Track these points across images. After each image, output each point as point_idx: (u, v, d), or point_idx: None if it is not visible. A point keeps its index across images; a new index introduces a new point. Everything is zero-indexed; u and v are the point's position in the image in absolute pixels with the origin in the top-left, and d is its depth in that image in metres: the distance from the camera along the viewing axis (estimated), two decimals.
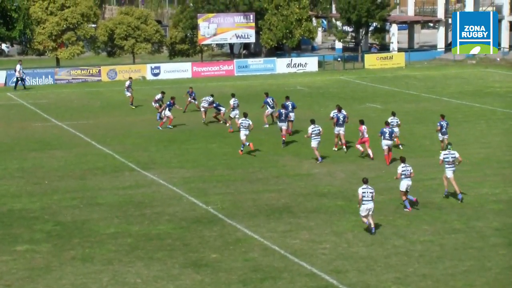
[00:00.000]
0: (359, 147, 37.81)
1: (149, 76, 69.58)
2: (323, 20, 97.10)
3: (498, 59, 77.77)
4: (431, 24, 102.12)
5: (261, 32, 77.08)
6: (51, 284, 22.75)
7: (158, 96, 48.16)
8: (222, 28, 74.52)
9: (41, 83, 66.24)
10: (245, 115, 39.35)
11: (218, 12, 77.22)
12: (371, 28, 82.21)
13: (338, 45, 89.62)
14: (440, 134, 38.35)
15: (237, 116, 44.36)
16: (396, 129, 38.22)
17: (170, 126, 45.42)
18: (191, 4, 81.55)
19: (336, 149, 38.99)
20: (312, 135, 36.87)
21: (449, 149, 31.00)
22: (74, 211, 29.73)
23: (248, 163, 36.96)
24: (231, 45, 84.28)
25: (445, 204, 30.02)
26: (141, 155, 38.95)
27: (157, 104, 47.85)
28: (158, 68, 70.48)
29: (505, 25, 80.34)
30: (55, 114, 51.09)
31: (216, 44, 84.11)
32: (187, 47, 78.44)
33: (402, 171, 29.17)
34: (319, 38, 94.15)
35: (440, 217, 28.42)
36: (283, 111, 41.15)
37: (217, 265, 23.99)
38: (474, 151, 39.07)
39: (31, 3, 70.62)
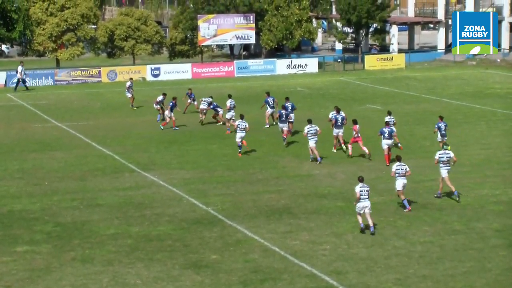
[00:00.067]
0: (351, 147, 37.93)
1: (149, 77, 69.59)
2: (323, 21, 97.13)
3: (498, 60, 77.80)
4: (431, 25, 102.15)
5: (261, 33, 77.10)
6: (51, 285, 22.74)
7: (160, 97, 48.09)
8: (222, 29, 74.55)
9: (41, 84, 66.27)
10: (242, 117, 39.31)
11: (218, 13, 77.25)
12: (371, 29, 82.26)
13: (338, 46, 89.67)
14: (439, 136, 38.39)
15: (233, 118, 44.34)
16: (393, 127, 38.44)
17: (176, 128, 45.28)
18: (191, 5, 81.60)
19: (335, 150, 38.98)
20: (308, 135, 36.92)
21: (445, 148, 31.08)
22: (74, 212, 29.73)
23: (248, 164, 36.95)
24: (231, 46, 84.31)
25: (446, 205, 30.01)
26: (141, 156, 38.95)
27: (158, 106, 47.79)
28: (158, 69, 70.49)
29: (505, 26, 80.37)
30: (55, 115, 51.09)
31: (216, 45, 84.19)
32: (187, 48, 78.46)
33: (396, 169, 29.27)
34: (319, 39, 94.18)
35: (440, 218, 28.41)
36: (283, 112, 41.19)
37: (217, 266, 23.98)
38: (474, 152, 39.07)
39: (31, 4, 70.65)
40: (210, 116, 47.37)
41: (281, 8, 75.60)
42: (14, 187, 33.40)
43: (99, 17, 79.04)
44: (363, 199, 26.62)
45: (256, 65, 73.36)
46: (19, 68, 63.41)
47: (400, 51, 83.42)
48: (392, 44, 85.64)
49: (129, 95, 53.53)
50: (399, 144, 39.05)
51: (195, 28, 76.72)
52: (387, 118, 39.21)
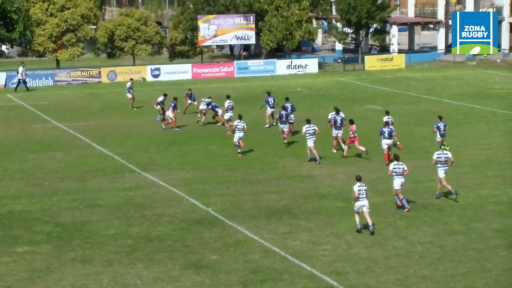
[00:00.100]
0: (347, 148, 37.99)
1: (149, 78, 69.59)
2: (323, 22, 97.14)
3: (498, 60, 77.81)
4: (431, 26, 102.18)
5: (261, 34, 77.12)
6: (51, 285, 22.74)
7: (160, 98, 48.07)
8: (222, 30, 74.57)
9: (41, 85, 66.29)
10: (240, 117, 39.34)
11: (218, 14, 77.27)
12: (371, 30, 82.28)
13: (338, 46, 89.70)
14: (438, 135, 38.48)
15: (231, 119, 44.32)
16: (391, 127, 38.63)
17: (177, 129, 45.27)
18: (191, 6, 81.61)
19: (335, 151, 38.97)
20: (307, 135, 36.95)
21: (443, 149, 31.12)
22: (74, 212, 29.73)
23: (248, 165, 36.95)
24: (231, 47, 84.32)
25: (446, 205, 30.01)
26: (141, 156, 38.95)
27: (159, 107, 47.78)
28: (158, 69, 70.49)
29: (505, 26, 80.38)
30: (55, 116, 51.10)
31: (216, 46, 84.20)
32: (187, 48, 78.47)
33: (393, 168, 29.32)
34: (319, 39, 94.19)
35: (440, 218, 28.41)
36: (283, 112, 41.19)
37: (217, 266, 23.97)
38: (475, 152, 39.08)
39: (31, 4, 70.66)
40: (210, 116, 47.36)
41: (281, 9, 75.62)
42: (14, 188, 33.40)
43: (99, 17, 79.06)
44: (361, 198, 26.69)
45: (256, 65, 73.38)
46: (20, 69, 63.41)
47: (400, 51, 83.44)
48: (392, 44, 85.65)
49: (129, 95, 53.53)
50: (398, 143, 39.07)
51: (195, 29, 76.73)
52: (385, 118, 39.41)
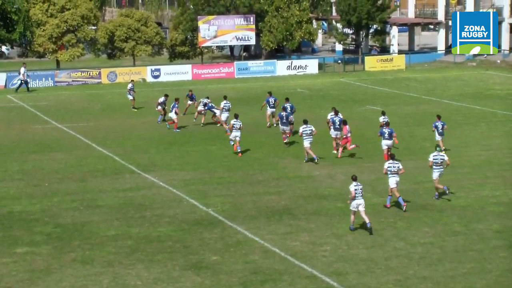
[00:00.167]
0: (341, 149, 38.06)
1: (149, 78, 69.60)
2: (324, 22, 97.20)
3: (499, 61, 77.83)
4: (432, 26, 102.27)
5: (261, 34, 77.12)
6: (51, 286, 22.74)
7: (161, 99, 48.06)
8: (222, 30, 74.58)
9: (41, 85, 66.30)
10: (236, 116, 39.44)
11: (219, 14, 77.28)
12: (371, 30, 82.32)
13: (339, 47, 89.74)
14: (437, 135, 38.59)
15: (227, 119, 44.35)
16: None
17: (177, 130, 45.28)
18: (192, 6, 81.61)
19: (335, 151, 38.96)
20: (303, 135, 37.00)
21: (438, 150, 31.14)
22: (74, 213, 29.72)
23: (248, 165, 36.95)
24: (231, 47, 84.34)
25: (446, 206, 30.01)
26: (141, 157, 38.95)
27: (160, 107, 47.77)
28: (158, 70, 70.51)
29: (505, 27, 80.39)
30: (55, 116, 51.10)
31: (216, 46, 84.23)
32: (187, 49, 78.46)
33: (388, 167, 29.43)
34: (319, 40, 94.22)
35: (440, 219, 28.41)
36: (283, 113, 41.18)
37: (217, 267, 23.97)
38: (475, 153, 39.10)
39: (31, 5, 70.65)
40: (209, 117, 47.34)
41: (281, 9, 75.62)
42: (14, 188, 33.39)
43: (99, 18, 79.06)
44: (357, 197, 26.80)
45: (256, 66, 73.39)
46: (22, 70, 63.44)
47: (400, 52, 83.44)
48: (392, 45, 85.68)
49: (130, 97, 53.55)
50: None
51: (195, 29, 76.73)
52: (381, 119, 39.62)
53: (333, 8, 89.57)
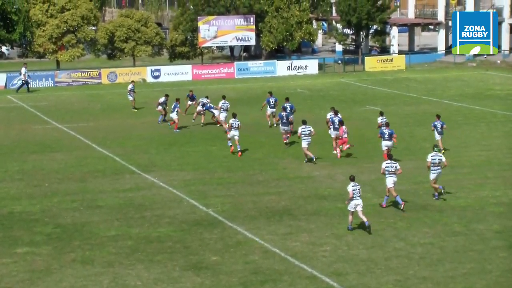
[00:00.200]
0: (339, 150, 38.11)
1: (150, 79, 69.62)
2: (324, 23, 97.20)
3: (499, 61, 77.84)
4: (432, 27, 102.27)
5: (261, 35, 77.12)
6: (51, 286, 22.74)
7: (162, 99, 48.07)
8: (222, 31, 74.60)
9: (41, 86, 66.29)
10: (234, 116, 39.51)
11: (219, 15, 77.30)
12: (371, 31, 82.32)
13: (339, 47, 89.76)
14: (436, 134, 38.67)
15: (225, 119, 44.41)
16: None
17: (177, 130, 45.30)
18: (192, 7, 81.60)
19: (335, 152, 38.97)
20: (302, 135, 37.05)
21: (436, 151, 31.14)
22: (74, 213, 29.72)
23: (248, 166, 36.96)
24: (232, 48, 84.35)
25: (446, 206, 30.01)
26: (142, 157, 38.95)
27: (161, 107, 47.77)
28: (159, 70, 70.52)
29: (505, 27, 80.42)
30: (55, 117, 51.10)
31: (217, 47, 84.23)
32: (187, 49, 78.47)
33: (386, 167, 29.49)
34: (319, 40, 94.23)
35: (440, 219, 28.41)
36: (283, 114, 41.23)
37: (217, 267, 23.97)
38: (475, 153, 39.10)
39: (31, 5, 70.66)
40: (209, 117, 47.34)
41: (281, 10, 75.62)
42: (14, 189, 33.39)
43: (99, 18, 79.06)
44: (355, 197, 26.82)
45: (256, 66, 73.41)
46: (23, 70, 63.47)
47: (400, 52, 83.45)
48: (392, 45, 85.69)
49: (130, 98, 53.57)
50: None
51: (195, 30, 76.73)
52: (379, 119, 39.74)
53: (333, 8, 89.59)
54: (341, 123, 38.43)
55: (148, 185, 33.69)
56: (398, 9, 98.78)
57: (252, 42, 77.09)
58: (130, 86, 53.87)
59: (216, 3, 79.76)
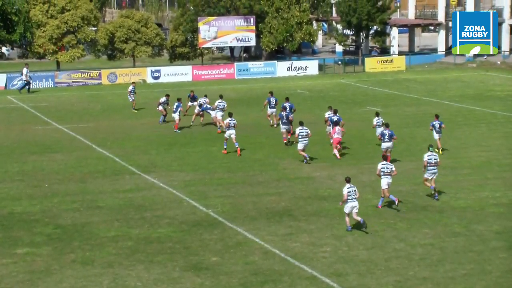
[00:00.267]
0: (337, 151, 38.16)
1: (150, 80, 69.60)
2: (324, 24, 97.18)
3: (499, 62, 77.84)
4: (432, 28, 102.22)
5: (261, 36, 77.10)
6: (51, 287, 22.75)
7: (163, 99, 48.07)
8: (222, 32, 74.55)
9: (41, 86, 66.25)
10: (231, 115, 39.64)
11: (219, 16, 77.26)
12: (371, 32, 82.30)
13: (339, 48, 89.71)
14: (435, 134, 38.76)
15: (221, 118, 44.48)
16: (381, 129, 39.04)
17: (178, 131, 45.31)
18: (192, 8, 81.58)
19: (334, 152, 38.97)
20: (299, 137, 37.11)
21: (431, 150, 31.20)
22: (75, 214, 29.72)
23: (248, 166, 36.96)
24: (232, 49, 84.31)
25: (446, 207, 30.02)
26: (142, 158, 38.95)
27: (161, 107, 47.77)
28: (159, 71, 70.50)
29: (505, 28, 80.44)
30: (56, 117, 51.10)
31: (217, 48, 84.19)
32: (187, 50, 78.43)
33: (381, 168, 29.55)
34: (319, 41, 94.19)
35: (440, 220, 28.42)
36: (283, 113, 41.32)
37: (217, 268, 23.98)
38: (475, 154, 39.10)
39: (32, 6, 70.63)
40: (209, 117, 47.31)
41: (281, 11, 75.60)
42: (14, 189, 33.40)
43: (100, 19, 79.03)
44: (351, 199, 26.85)
45: (256, 67, 73.40)
46: (24, 70, 63.52)
47: (400, 53, 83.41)
48: (393, 46, 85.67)
49: (131, 99, 53.57)
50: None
51: (195, 30, 76.70)
52: (375, 120, 39.91)
53: (333, 9, 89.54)
54: (335, 123, 38.56)
55: (148, 186, 33.70)
56: (398, 9, 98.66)
57: (252, 43, 77.07)
58: (130, 88, 53.87)
59: (216, 4, 79.74)
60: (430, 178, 30.81)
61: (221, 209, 30.08)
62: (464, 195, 31.51)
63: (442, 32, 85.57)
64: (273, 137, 43.26)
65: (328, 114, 40.65)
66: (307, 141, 37.21)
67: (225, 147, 39.61)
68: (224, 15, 77.98)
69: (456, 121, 47.59)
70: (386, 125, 37.52)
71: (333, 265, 24.04)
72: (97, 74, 68.79)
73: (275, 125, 45.74)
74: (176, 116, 45.23)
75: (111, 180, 34.71)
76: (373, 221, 28.04)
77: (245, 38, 75.54)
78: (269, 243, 26.12)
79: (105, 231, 27.61)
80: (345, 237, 26.58)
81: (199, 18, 75.55)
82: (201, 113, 46.89)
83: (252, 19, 75.08)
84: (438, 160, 30.98)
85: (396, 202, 29.35)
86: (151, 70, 70.37)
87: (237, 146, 39.08)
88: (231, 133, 39.13)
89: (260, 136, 43.80)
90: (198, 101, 47.47)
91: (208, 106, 46.70)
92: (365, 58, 77.95)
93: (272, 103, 46.21)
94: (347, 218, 27.12)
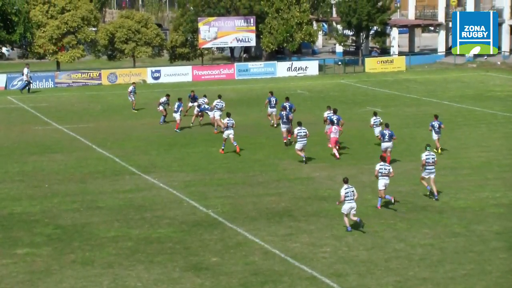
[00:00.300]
0: (335, 150, 38.16)
1: (150, 80, 69.60)
2: (324, 24, 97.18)
3: (499, 62, 77.85)
4: (432, 28, 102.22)
5: (261, 36, 77.11)
6: (51, 287, 22.75)
7: (163, 99, 48.06)
8: (222, 32, 74.59)
9: (41, 87, 66.24)
10: (229, 115, 39.67)
11: (219, 16, 77.28)
12: (371, 32, 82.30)
13: (339, 48, 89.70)
14: (434, 134, 38.78)
15: (220, 118, 44.53)
16: (379, 128, 39.15)
17: (178, 130, 45.34)
18: (192, 8, 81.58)
19: (334, 152, 38.98)
20: (298, 137, 37.17)
21: (429, 150, 31.23)
22: (75, 214, 29.72)
23: (248, 167, 36.96)
24: (232, 49, 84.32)
25: (446, 207, 30.02)
26: (142, 158, 38.95)
27: (162, 107, 47.77)
28: (159, 71, 70.50)
29: (505, 28, 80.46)
30: (56, 118, 51.10)
31: (217, 48, 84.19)
32: (187, 50, 78.46)
33: (379, 169, 29.58)
34: (319, 41, 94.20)
35: (440, 220, 28.42)
36: (283, 113, 41.41)
37: (217, 268, 23.98)
38: (475, 154, 39.10)
39: (32, 6, 70.65)
40: (208, 118, 47.31)
41: (281, 11, 75.60)
42: (14, 190, 33.40)
43: (100, 19, 79.06)
44: (349, 200, 26.85)
45: (256, 67, 73.40)
46: (25, 70, 63.55)
47: (400, 53, 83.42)
48: (393, 46, 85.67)
49: (131, 99, 53.57)
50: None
51: (195, 31, 76.73)
52: (372, 120, 40.03)
53: (333, 9, 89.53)
54: (332, 122, 38.68)
55: (148, 186, 33.69)
56: (398, 10, 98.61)
57: (252, 43, 77.10)
58: (131, 88, 53.86)
59: (217, 4, 79.75)
60: (427, 177, 30.85)
61: (221, 209, 30.08)
62: (464, 195, 31.52)
63: (442, 33, 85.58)
64: (273, 138, 43.27)
65: (327, 113, 40.79)
66: (305, 141, 37.24)
67: (222, 147, 39.61)
68: (224, 16, 78.01)
69: (456, 122, 47.59)
70: (386, 125, 37.53)
71: (333, 266, 24.04)
72: (97, 75, 68.81)
73: (275, 125, 45.75)
74: (177, 116, 45.26)
75: (111, 181, 34.71)
76: (373, 222, 28.05)
77: (245, 39, 75.57)
78: (269, 243, 26.12)
79: (105, 231, 27.62)
80: (345, 238, 26.58)
81: (199, 18, 75.59)
82: (200, 113, 46.90)
83: (252, 20, 75.11)
84: (435, 159, 31.04)
85: (392, 201, 29.49)
86: (151, 71, 70.37)
87: (235, 144, 39.16)
88: (229, 133, 39.19)
89: (260, 137, 43.80)
90: (198, 102, 47.49)
91: (207, 106, 46.69)
92: (365, 59, 77.95)
93: (272, 102, 46.28)
94: (345, 219, 27.13)
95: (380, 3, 78.93)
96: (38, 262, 24.64)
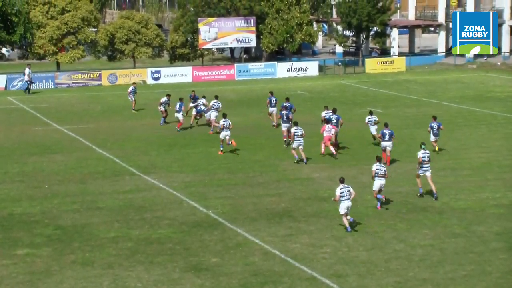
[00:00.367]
0: (333, 148, 38.14)
1: (150, 80, 69.60)
2: (324, 25, 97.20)
3: (499, 63, 77.86)
4: (432, 29, 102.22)
5: (261, 37, 77.12)
6: None
7: (164, 99, 48.03)
8: (222, 33, 74.61)
9: (41, 87, 66.24)
10: (225, 116, 39.83)
11: (219, 17, 77.28)
12: (371, 33, 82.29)
13: (339, 49, 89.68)
14: (432, 135, 38.82)
15: (216, 118, 44.56)
16: (374, 127, 39.24)
17: (179, 130, 45.38)
18: (192, 9, 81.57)
19: (335, 152, 38.99)
20: (295, 137, 37.30)
21: (424, 148, 31.32)
22: (75, 215, 29.72)
23: (248, 167, 36.96)
24: (232, 49, 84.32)
25: (446, 208, 30.02)
26: (142, 159, 38.95)
27: (162, 107, 47.75)
28: (159, 72, 70.49)
29: (505, 29, 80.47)
30: (56, 118, 51.09)
31: (217, 48, 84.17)
32: (187, 51, 78.45)
33: (376, 169, 29.64)
34: (319, 42, 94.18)
35: (440, 221, 28.41)
36: (284, 112, 41.51)
37: (217, 269, 23.97)
38: (475, 155, 39.09)
39: (32, 7, 70.66)
40: (205, 119, 47.35)
41: (281, 12, 75.61)
42: (14, 190, 33.39)
43: (100, 20, 79.02)
44: (345, 200, 26.90)
45: (256, 68, 73.40)
46: (27, 71, 63.59)
47: (400, 54, 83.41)
48: (393, 47, 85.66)
49: (131, 99, 53.56)
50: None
51: (195, 31, 76.73)
52: (367, 118, 40.17)
53: (334, 10, 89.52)
54: (326, 121, 38.86)
55: (148, 187, 33.69)
56: (398, 11, 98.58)
57: (253, 43, 77.11)
58: (131, 88, 53.85)
59: (217, 5, 79.75)
60: (422, 174, 30.94)
61: (221, 210, 30.08)
62: (464, 196, 31.51)
63: (442, 33, 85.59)
64: (273, 138, 43.26)
65: (324, 113, 40.92)
66: (302, 140, 37.30)
67: (221, 148, 39.64)
68: (224, 16, 78.00)
69: (456, 122, 47.59)
70: (385, 125, 37.49)
71: (333, 266, 24.04)
72: (97, 75, 68.80)
73: (276, 125, 45.76)
74: (180, 116, 45.32)
75: (111, 181, 34.71)
76: (373, 222, 28.06)
77: (245, 39, 75.59)
78: (269, 244, 26.12)
79: (105, 232, 27.61)
80: (345, 238, 26.57)
81: (199, 19, 75.59)
82: (198, 114, 46.91)
83: (252, 20, 75.12)
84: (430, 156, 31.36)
85: (383, 199, 29.61)
86: (151, 71, 70.36)
87: (229, 143, 39.34)
88: (226, 134, 39.23)
89: (260, 137, 43.80)
90: (198, 102, 47.48)
91: (203, 107, 46.67)
92: (365, 59, 77.94)
93: (272, 102, 46.37)
94: (344, 219, 27.13)
95: (380, 4, 78.93)
96: (38, 263, 24.64)
